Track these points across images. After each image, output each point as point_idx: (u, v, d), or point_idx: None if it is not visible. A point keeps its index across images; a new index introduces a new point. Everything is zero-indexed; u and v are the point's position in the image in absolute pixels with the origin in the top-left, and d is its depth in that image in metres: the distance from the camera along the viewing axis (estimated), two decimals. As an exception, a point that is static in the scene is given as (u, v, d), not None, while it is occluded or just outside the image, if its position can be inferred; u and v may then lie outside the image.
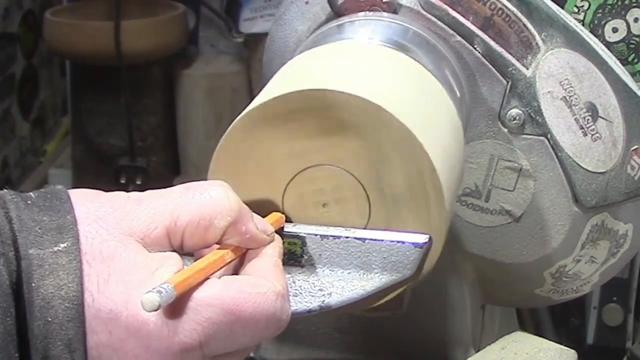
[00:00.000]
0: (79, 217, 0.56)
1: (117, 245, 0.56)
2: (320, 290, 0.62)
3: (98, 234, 0.56)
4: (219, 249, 0.59)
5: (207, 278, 0.56)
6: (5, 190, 0.58)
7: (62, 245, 0.55)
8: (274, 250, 0.61)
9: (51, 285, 0.54)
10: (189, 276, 0.55)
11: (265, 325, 0.57)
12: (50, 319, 0.54)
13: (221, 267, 0.58)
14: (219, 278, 0.57)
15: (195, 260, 0.58)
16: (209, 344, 0.55)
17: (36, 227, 0.55)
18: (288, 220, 0.64)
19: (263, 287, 0.57)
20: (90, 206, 0.57)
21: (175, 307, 0.54)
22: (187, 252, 0.59)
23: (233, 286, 0.56)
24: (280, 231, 0.63)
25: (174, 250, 0.58)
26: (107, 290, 0.55)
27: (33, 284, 0.54)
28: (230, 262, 0.59)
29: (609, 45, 0.83)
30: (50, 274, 0.54)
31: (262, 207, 0.63)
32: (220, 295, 0.55)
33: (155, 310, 0.52)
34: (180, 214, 0.57)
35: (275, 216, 0.63)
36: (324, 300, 0.62)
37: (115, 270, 0.55)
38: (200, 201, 0.58)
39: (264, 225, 0.61)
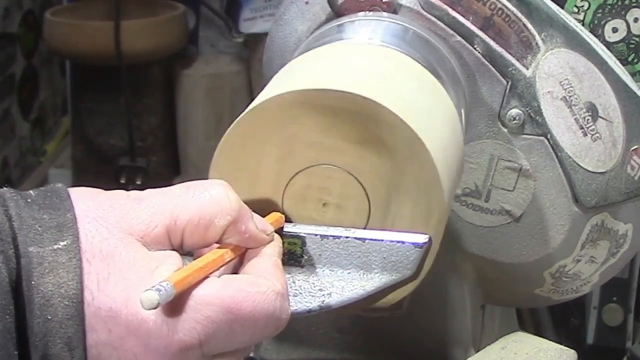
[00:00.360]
0: (79, 215, 0.56)
1: (117, 244, 0.56)
2: (320, 290, 0.62)
3: (98, 232, 0.56)
4: (218, 248, 0.59)
5: (207, 277, 0.56)
6: (5, 188, 0.58)
7: (62, 243, 0.55)
8: (274, 249, 0.61)
9: (51, 283, 0.54)
10: (188, 274, 0.55)
11: (265, 325, 0.57)
12: (49, 317, 0.54)
13: (221, 266, 0.58)
14: (219, 277, 0.57)
15: (194, 260, 0.58)
16: (209, 343, 0.55)
17: (36, 225, 0.55)
18: (288, 220, 0.64)
19: (262, 286, 0.57)
20: (91, 204, 0.57)
21: (175, 306, 0.54)
22: (187, 252, 0.59)
23: (232, 285, 0.56)
24: (280, 231, 0.63)
25: (173, 249, 0.58)
26: (107, 289, 0.55)
27: (33, 282, 0.54)
28: (230, 261, 0.59)
29: (609, 45, 0.83)
30: (50, 271, 0.54)
31: (262, 207, 0.63)
32: (220, 293, 0.55)
33: (154, 308, 0.52)
34: (180, 212, 0.57)
35: (275, 216, 0.63)
36: (323, 300, 0.62)
37: (115, 269, 0.55)
38: (201, 200, 0.58)
39: (264, 224, 0.61)
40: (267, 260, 0.59)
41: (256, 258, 0.60)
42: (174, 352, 0.55)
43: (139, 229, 0.56)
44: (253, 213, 0.60)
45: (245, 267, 0.59)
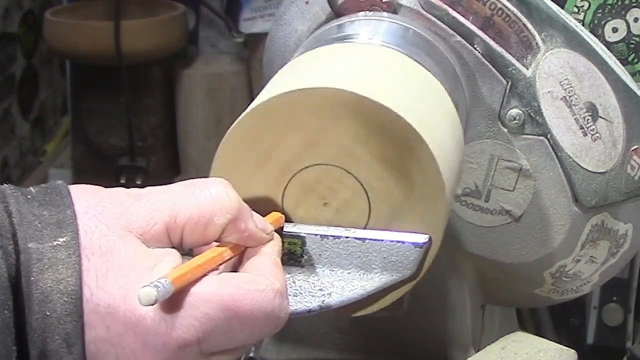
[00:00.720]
0: (78, 212, 0.56)
1: (116, 241, 0.56)
2: (320, 290, 0.62)
3: (97, 229, 0.56)
4: (217, 246, 0.59)
5: (205, 274, 0.56)
6: (5, 185, 0.58)
7: (61, 240, 0.55)
8: (273, 248, 0.61)
9: (50, 279, 0.54)
10: (186, 271, 0.55)
11: (264, 323, 0.57)
12: (48, 313, 0.54)
13: (220, 264, 0.58)
14: (218, 275, 0.57)
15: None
16: (207, 340, 0.55)
17: (36, 221, 0.55)
18: (288, 219, 0.64)
19: (261, 284, 0.57)
20: (91, 201, 0.57)
21: (173, 303, 0.54)
22: (186, 250, 0.59)
23: (231, 283, 0.56)
24: (280, 231, 0.63)
25: (173, 247, 0.58)
26: (106, 285, 0.55)
27: (32, 278, 0.54)
28: (229, 259, 0.59)
29: (609, 45, 0.83)
30: (49, 267, 0.54)
31: (262, 206, 0.63)
32: (219, 291, 0.55)
33: (152, 304, 0.52)
34: (180, 210, 0.57)
35: (275, 216, 0.63)
36: (324, 300, 0.62)
37: (114, 265, 0.55)
38: (200, 198, 0.58)
39: (263, 223, 0.61)
40: (266, 259, 0.59)
41: (255, 257, 0.60)
42: (172, 349, 0.55)
43: (139, 226, 0.57)
44: (253, 212, 0.60)
45: (245, 266, 0.60)
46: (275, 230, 0.62)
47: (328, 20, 0.81)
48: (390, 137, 0.61)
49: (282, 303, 0.58)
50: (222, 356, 0.57)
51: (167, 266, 0.55)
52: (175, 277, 0.54)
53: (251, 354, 0.86)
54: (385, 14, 0.78)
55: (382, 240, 0.62)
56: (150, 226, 0.57)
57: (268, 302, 0.57)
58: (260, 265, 0.59)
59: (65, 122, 2.67)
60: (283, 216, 0.63)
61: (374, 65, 0.69)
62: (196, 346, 0.55)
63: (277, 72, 0.71)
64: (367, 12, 0.78)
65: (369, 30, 0.76)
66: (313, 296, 0.62)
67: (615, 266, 0.87)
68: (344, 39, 0.75)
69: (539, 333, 1.30)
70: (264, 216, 0.62)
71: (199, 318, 0.55)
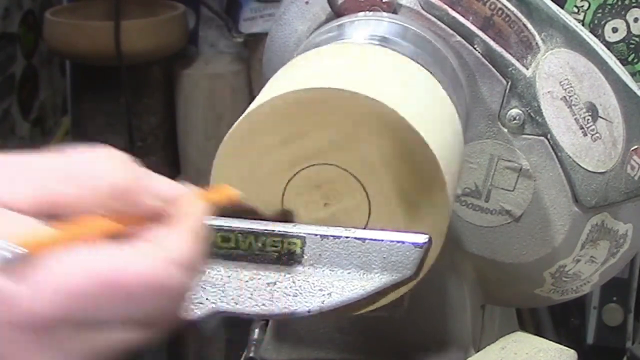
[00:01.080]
0: None
1: None
2: (320, 290, 0.62)
3: None
4: (102, 216, 0.52)
5: (79, 244, 0.49)
6: None
7: None
8: (187, 218, 0.54)
9: None
10: (50, 241, 0.48)
11: (152, 296, 0.50)
12: None
13: (98, 236, 0.51)
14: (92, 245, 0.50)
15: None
16: (78, 315, 0.49)
17: None
18: (287, 213, 0.64)
19: (149, 254, 0.50)
20: None
21: (33, 275, 0.48)
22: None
23: (107, 253, 0.50)
24: (235, 206, 0.60)
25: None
26: None
27: None
28: (116, 231, 0.52)
29: (609, 45, 0.83)
30: None
31: (261, 194, 0.63)
32: (89, 261, 0.49)
33: None
34: (57, 185, 0.52)
35: (223, 191, 0.59)
36: (323, 301, 0.62)
37: None
38: (82, 171, 0.54)
39: (165, 192, 0.55)
40: (172, 230, 0.53)
41: (161, 227, 0.53)
42: (33, 327, 0.48)
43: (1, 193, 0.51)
44: (159, 177, 0.56)
45: (145, 236, 0.53)
46: (230, 208, 0.59)
47: (328, 20, 0.81)
48: (391, 137, 0.61)
49: (177, 274, 0.51)
50: (103, 333, 0.50)
51: (22, 231, 0.48)
52: (34, 243, 0.47)
53: (251, 354, 0.86)
54: (385, 14, 0.78)
55: (382, 240, 0.62)
56: (18, 198, 0.51)
57: (155, 273, 0.50)
58: (163, 235, 0.53)
59: (65, 122, 2.67)
60: (238, 192, 0.60)
61: (373, 65, 0.69)
62: (66, 321, 0.48)
63: (277, 71, 0.70)
64: (367, 12, 0.78)
65: (369, 30, 0.76)
66: (313, 296, 0.62)
67: (615, 266, 0.87)
68: (344, 39, 0.75)
69: (539, 333, 1.30)
70: (264, 210, 0.61)
71: (64, 291, 0.48)
